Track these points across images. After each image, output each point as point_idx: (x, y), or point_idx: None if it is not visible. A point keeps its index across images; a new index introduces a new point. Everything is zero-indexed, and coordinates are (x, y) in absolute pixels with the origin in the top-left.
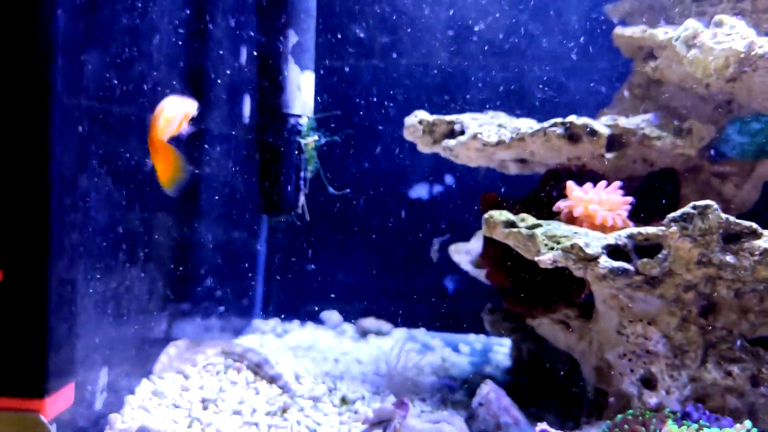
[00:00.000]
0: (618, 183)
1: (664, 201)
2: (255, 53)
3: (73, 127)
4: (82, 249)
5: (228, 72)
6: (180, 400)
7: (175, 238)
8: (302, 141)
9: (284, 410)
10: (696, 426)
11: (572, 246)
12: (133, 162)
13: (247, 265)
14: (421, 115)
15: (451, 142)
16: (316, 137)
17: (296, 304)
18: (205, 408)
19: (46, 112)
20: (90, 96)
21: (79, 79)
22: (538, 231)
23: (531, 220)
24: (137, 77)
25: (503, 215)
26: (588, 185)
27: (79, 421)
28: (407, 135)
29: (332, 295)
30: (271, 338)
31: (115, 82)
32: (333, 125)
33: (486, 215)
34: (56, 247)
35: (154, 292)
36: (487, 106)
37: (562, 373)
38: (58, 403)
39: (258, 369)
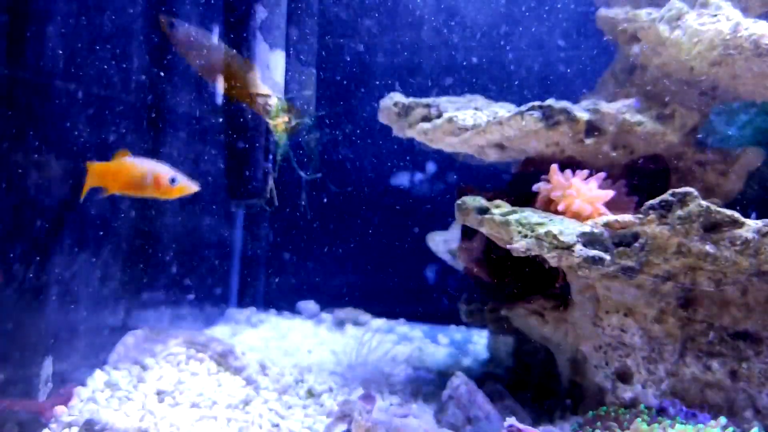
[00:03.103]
0: (602, 174)
1: (653, 189)
2: (222, 30)
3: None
4: (16, 230)
5: None
6: (134, 392)
7: (135, 221)
8: (271, 122)
9: (246, 403)
10: (669, 422)
11: (546, 233)
12: (82, 139)
13: (220, 252)
14: (397, 97)
15: (426, 126)
16: (286, 118)
17: (273, 293)
18: (160, 401)
19: None
20: (38, 70)
21: (24, 50)
22: (511, 217)
23: (505, 206)
24: (95, 52)
25: (476, 201)
26: (568, 172)
27: (20, 414)
28: (382, 118)
29: (310, 285)
30: (245, 328)
31: (71, 56)
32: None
33: (459, 201)
34: None
35: (108, 278)
36: (489, 93)
37: (539, 365)
38: None
39: (222, 360)
